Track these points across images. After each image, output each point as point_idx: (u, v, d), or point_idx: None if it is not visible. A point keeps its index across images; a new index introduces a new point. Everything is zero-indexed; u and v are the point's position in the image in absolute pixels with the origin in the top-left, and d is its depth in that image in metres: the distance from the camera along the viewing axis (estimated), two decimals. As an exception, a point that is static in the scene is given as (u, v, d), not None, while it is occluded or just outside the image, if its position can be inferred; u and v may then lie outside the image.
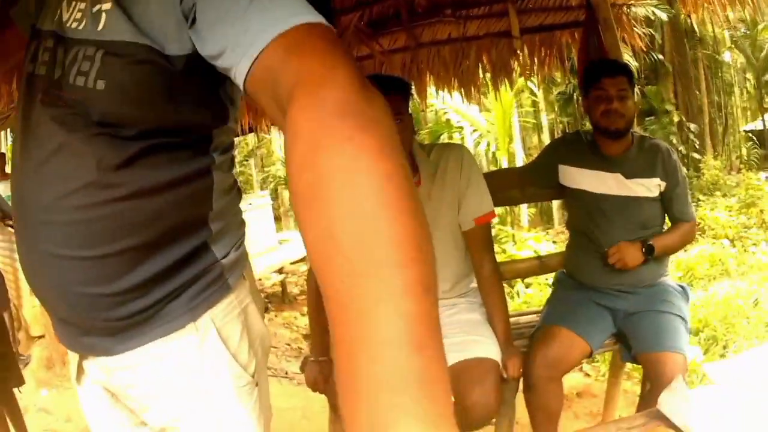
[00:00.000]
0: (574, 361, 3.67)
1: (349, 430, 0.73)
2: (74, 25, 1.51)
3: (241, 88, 1.23)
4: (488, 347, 3.26)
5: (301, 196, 0.88)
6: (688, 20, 14.57)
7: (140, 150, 1.51)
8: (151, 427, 1.78)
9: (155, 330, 1.65)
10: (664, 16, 14.25)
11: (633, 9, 4.98)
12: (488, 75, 5.37)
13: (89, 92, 1.46)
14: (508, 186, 3.97)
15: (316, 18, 1.16)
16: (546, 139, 14.65)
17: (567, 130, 15.72)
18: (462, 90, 5.64)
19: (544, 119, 15.00)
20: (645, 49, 6.11)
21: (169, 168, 1.58)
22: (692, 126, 14.69)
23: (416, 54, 5.20)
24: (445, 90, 5.60)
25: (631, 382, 5.02)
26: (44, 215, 1.57)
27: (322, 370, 3.43)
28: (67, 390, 6.99)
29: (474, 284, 3.55)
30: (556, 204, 13.48)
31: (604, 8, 4.42)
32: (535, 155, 5.26)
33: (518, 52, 5.03)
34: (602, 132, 3.62)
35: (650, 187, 3.61)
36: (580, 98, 14.19)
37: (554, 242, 11.85)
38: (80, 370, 1.83)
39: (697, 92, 15.64)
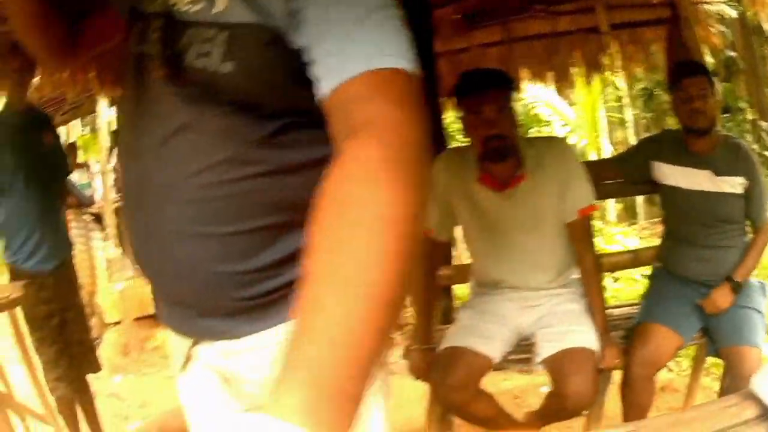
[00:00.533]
0: (670, 357, 3.79)
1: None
2: (186, 7, 1.50)
3: (318, 95, 1.31)
4: (588, 337, 3.35)
5: (322, 205, 1.05)
6: (755, 18, 14.43)
7: (278, 128, 1.52)
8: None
9: (283, 312, 1.61)
10: (734, 13, 14.09)
11: (707, 6, 5.02)
12: (577, 69, 5.43)
13: (215, 75, 1.46)
14: (603, 178, 4.05)
15: (409, 63, 1.25)
16: (630, 134, 14.56)
17: (650, 126, 15.70)
18: (555, 84, 5.67)
19: (629, 114, 15.01)
20: (720, 47, 6.13)
21: (307, 148, 1.56)
22: (764, 124, 14.50)
23: (510, 48, 5.25)
24: (537, 83, 5.68)
25: (710, 378, 5.04)
26: (173, 193, 1.56)
27: (425, 358, 3.50)
28: (144, 376, 7.10)
29: (575, 275, 3.63)
30: (640, 199, 13.43)
31: (685, 6, 4.49)
32: (622, 149, 5.30)
33: (607, 47, 5.09)
34: (689, 130, 3.74)
35: (735, 184, 3.70)
36: (660, 94, 14.00)
37: (640, 237, 11.79)
38: (188, 356, 1.81)
39: (766, 90, 15.43)
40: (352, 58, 1.24)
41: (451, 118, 6.82)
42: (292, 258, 1.57)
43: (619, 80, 13.32)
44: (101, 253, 8.68)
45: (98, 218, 8.20)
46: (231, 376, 1.74)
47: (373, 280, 0.96)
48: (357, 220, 1.01)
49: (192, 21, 1.49)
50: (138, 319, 8.08)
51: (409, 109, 1.18)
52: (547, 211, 3.42)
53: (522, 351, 3.58)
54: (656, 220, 11.33)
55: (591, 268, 3.52)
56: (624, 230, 12.21)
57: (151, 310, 8.38)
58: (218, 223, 1.55)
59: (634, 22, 5.13)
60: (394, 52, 1.26)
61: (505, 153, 3.25)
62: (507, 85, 3.33)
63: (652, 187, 4.06)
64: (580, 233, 3.49)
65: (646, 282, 4.38)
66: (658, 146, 4.01)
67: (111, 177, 8.76)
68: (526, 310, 3.54)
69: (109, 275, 8.14)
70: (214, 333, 1.69)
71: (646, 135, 14.75)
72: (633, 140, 13.73)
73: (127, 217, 1.74)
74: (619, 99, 14.97)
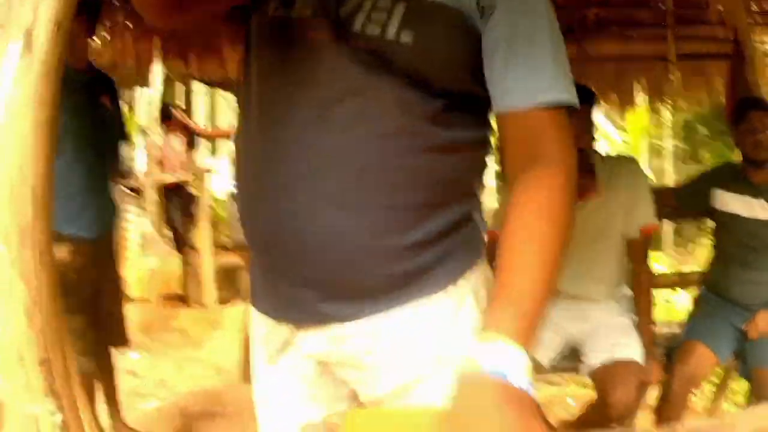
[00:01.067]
0: (706, 376, 3.97)
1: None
2: None
3: (495, 109, 1.54)
4: (635, 351, 3.48)
5: (523, 209, 1.41)
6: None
7: (443, 106, 1.55)
8: (363, 398, 1.74)
9: (421, 290, 1.63)
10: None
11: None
12: (641, 94, 5.49)
13: (390, 44, 1.49)
14: (662, 203, 4.18)
15: (574, 99, 1.49)
16: (668, 164, 14.68)
17: (685, 157, 15.85)
18: (619, 107, 5.75)
19: (668, 143, 15.08)
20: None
21: (462, 130, 1.61)
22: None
23: (583, 67, 5.27)
24: (602, 104, 5.75)
25: (726, 404, 5.11)
26: (335, 159, 1.54)
27: None
28: (163, 356, 6.95)
29: (626, 291, 3.77)
30: (667, 227, 13.61)
31: (749, 45, 4.57)
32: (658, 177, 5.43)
33: (671, 76, 5.17)
34: (750, 161, 3.94)
35: None
36: (699, 127, 14.00)
37: (681, 260, 11.98)
38: (283, 345, 1.77)
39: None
40: (537, 87, 1.47)
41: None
42: (438, 237, 1.62)
43: (664, 110, 13.40)
44: (135, 227, 8.62)
45: (136, 192, 8.19)
46: (339, 361, 1.71)
47: (552, 259, 1.37)
48: (543, 225, 1.38)
49: None
50: (164, 297, 8.09)
51: (571, 145, 1.49)
52: (612, 227, 3.55)
53: (568, 359, 3.69)
54: (681, 248, 11.95)
55: (645, 284, 3.69)
56: (670, 252, 12.61)
57: (179, 290, 8.45)
58: (381, 194, 1.56)
59: (698, 54, 5.20)
60: (567, 87, 1.49)
61: (583, 167, 3.29)
62: (590, 100, 3.45)
63: (706, 214, 4.27)
64: (638, 250, 3.66)
65: (674, 302, 4.52)
66: (720, 176, 4.20)
67: (155, 150, 8.73)
68: (579, 320, 3.65)
69: (141, 251, 8.19)
70: (333, 316, 1.65)
71: (682, 165, 14.88)
72: (670, 169, 14.08)
73: (249, 189, 1.72)
74: (660, 128, 15.04)
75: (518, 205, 1.42)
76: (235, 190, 1.84)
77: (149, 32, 4.64)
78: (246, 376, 5.63)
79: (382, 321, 1.63)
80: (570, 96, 1.48)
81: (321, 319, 1.66)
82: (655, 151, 15.37)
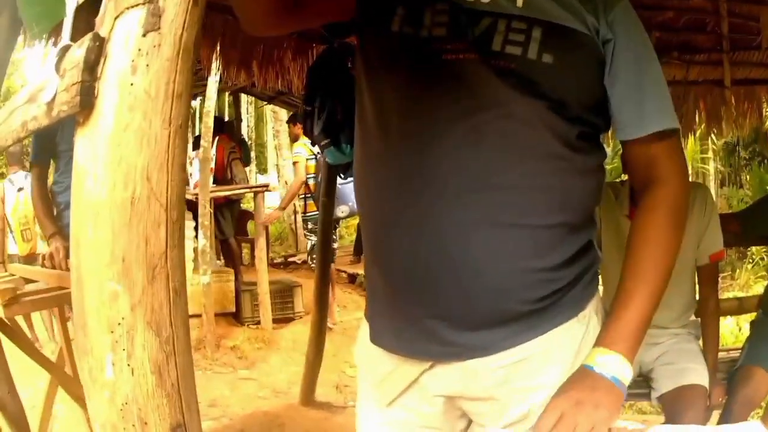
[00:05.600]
0: (764, 398, 3.86)
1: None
2: None
3: (618, 136, 1.69)
4: (702, 376, 3.45)
5: (638, 230, 1.68)
6: None
7: (580, 132, 1.61)
8: (485, 429, 1.71)
9: (554, 318, 1.62)
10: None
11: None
12: (699, 119, 5.48)
13: (533, 64, 1.53)
14: (726, 229, 4.18)
15: (678, 124, 1.65)
16: (711, 186, 14.67)
17: (726, 180, 15.91)
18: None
19: (711, 166, 15.09)
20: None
21: (594, 155, 1.68)
22: None
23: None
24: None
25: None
26: (486, 178, 1.55)
27: None
28: (215, 375, 6.82)
29: (693, 317, 3.73)
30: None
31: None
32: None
33: (728, 101, 5.16)
34: None
35: None
36: (740, 150, 14.01)
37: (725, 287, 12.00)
38: (407, 386, 1.73)
39: None
40: (655, 117, 1.62)
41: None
42: (570, 262, 1.64)
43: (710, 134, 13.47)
44: (188, 243, 8.17)
45: (189, 205, 8.04)
46: (471, 396, 1.69)
47: (666, 271, 1.65)
48: (663, 238, 1.65)
49: (487, 11, 1.58)
50: (217, 315, 7.83)
51: (684, 165, 1.73)
52: (684, 254, 3.46)
53: (638, 386, 3.62)
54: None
55: (713, 310, 3.68)
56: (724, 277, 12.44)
57: (232, 308, 8.38)
58: (531, 214, 1.57)
59: (751, 79, 5.18)
60: (674, 113, 1.65)
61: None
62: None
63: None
64: (708, 277, 3.65)
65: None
66: None
67: (208, 164, 8.54)
68: (649, 346, 3.58)
69: (194, 266, 8.01)
70: (473, 349, 1.62)
71: (724, 189, 14.87)
72: (712, 192, 13.96)
73: (384, 213, 1.68)
74: (705, 152, 15.04)
75: (641, 221, 1.68)
76: (361, 217, 1.83)
77: (209, 39, 4.59)
78: (305, 398, 5.70)
79: (517, 353, 1.62)
80: (677, 122, 1.64)
81: (459, 352, 1.63)
82: (699, 175, 15.39)
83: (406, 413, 1.77)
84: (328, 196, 5.66)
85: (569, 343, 1.64)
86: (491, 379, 1.63)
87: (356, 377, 4.55)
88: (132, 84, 0.86)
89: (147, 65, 0.86)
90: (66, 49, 0.94)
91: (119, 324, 0.88)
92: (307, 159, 8.59)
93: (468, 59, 1.56)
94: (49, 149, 4.00)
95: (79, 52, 0.90)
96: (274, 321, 8.09)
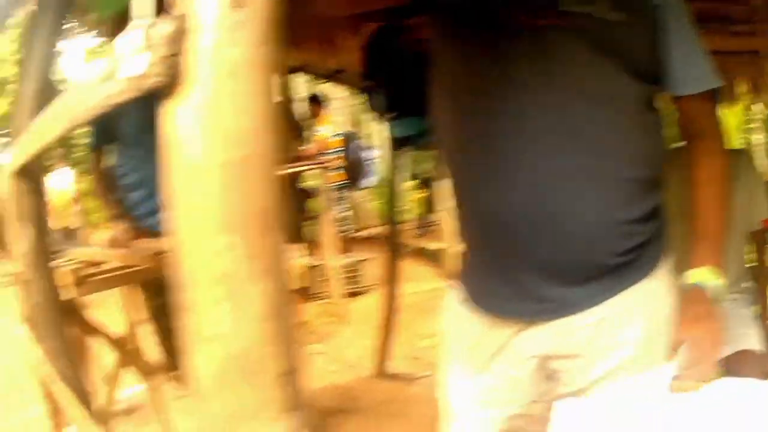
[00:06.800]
0: None
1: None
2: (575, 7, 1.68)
3: (671, 92, 1.83)
4: (758, 341, 3.49)
5: (701, 182, 1.86)
6: None
7: (650, 91, 1.79)
8: (571, 387, 1.82)
9: (638, 272, 1.75)
10: None
11: None
12: (740, 89, 5.44)
13: (603, 21, 1.67)
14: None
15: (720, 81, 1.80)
16: (759, 157, 14.46)
17: None
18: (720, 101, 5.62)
19: (756, 138, 14.85)
20: None
21: (658, 114, 1.86)
22: None
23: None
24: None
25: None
26: (579, 134, 1.67)
27: None
28: None
29: (746, 283, 3.77)
30: None
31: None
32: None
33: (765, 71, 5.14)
34: None
35: None
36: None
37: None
38: (497, 350, 1.84)
39: None
40: (710, 75, 1.81)
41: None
42: (649, 217, 1.78)
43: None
44: None
45: None
46: (563, 354, 1.80)
47: (725, 206, 1.87)
48: (716, 190, 1.87)
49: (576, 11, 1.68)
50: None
51: (718, 122, 1.91)
52: (734, 219, 3.50)
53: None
54: None
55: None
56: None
57: (302, 284, 8.35)
58: (619, 167, 1.72)
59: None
60: (716, 75, 1.81)
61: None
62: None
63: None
64: (761, 242, 3.72)
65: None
66: None
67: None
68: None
69: None
70: (565, 304, 1.74)
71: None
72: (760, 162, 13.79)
73: (476, 173, 1.78)
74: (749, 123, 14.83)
75: (698, 167, 1.87)
76: (452, 179, 1.92)
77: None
78: (378, 371, 5.74)
79: (602, 310, 1.75)
80: (719, 80, 1.81)
81: (553, 309, 1.76)
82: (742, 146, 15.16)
83: (495, 378, 1.89)
84: (394, 170, 5.65)
85: (648, 300, 1.77)
86: (580, 336, 1.75)
87: (428, 349, 4.58)
88: (225, 56, 0.91)
89: (237, 38, 0.91)
90: (151, 25, 0.98)
91: (230, 276, 0.94)
92: (330, 136, 9.93)
93: (546, 25, 1.68)
94: (110, 133, 4.04)
95: (164, 27, 0.95)
96: (344, 295, 8.16)
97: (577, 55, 1.66)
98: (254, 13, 0.92)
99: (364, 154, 11.02)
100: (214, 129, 0.92)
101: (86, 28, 3.52)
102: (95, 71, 1.23)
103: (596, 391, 1.75)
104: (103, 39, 3.90)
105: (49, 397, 3.80)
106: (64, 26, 2.69)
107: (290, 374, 0.98)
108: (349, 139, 10.49)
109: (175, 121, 0.96)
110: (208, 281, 0.96)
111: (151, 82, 0.97)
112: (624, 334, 1.74)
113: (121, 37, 1.04)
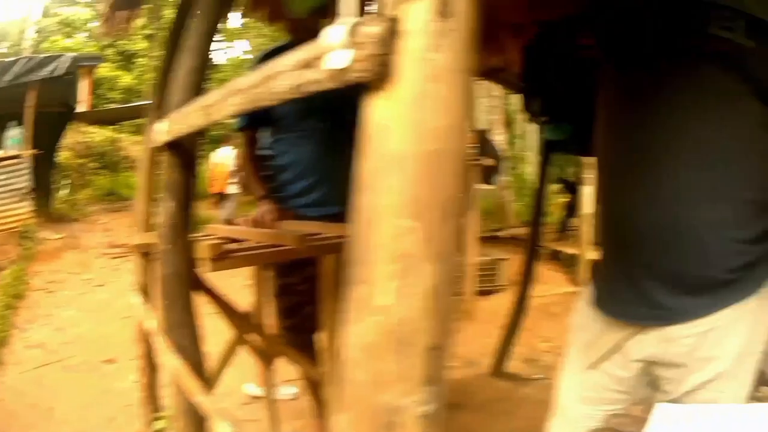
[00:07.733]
0: None
1: None
2: None
3: None
4: None
5: None
6: None
7: None
8: (667, 396, 1.87)
9: (743, 289, 1.77)
10: None
11: None
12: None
13: (739, 46, 1.70)
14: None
15: None
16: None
17: None
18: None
19: None
20: None
21: None
22: None
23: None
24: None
25: None
26: (706, 151, 1.73)
27: None
28: None
29: None
30: None
31: None
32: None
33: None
34: None
35: None
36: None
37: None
38: (609, 351, 1.92)
39: None
40: None
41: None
42: (761, 238, 1.77)
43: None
44: None
45: None
46: (664, 362, 1.86)
47: None
48: None
49: (705, 2, 1.73)
50: None
51: None
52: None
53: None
54: None
55: None
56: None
57: None
58: (742, 187, 1.72)
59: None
60: None
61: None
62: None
63: None
64: None
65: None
66: None
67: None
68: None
69: None
70: (677, 312, 1.80)
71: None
72: None
73: (616, 183, 1.88)
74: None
75: None
76: (600, 188, 2.01)
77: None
78: (495, 369, 5.79)
79: (706, 323, 1.79)
80: None
81: (664, 315, 1.83)
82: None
83: (602, 376, 1.97)
84: (543, 172, 5.60)
85: (749, 318, 1.79)
86: (683, 345, 1.81)
87: (546, 352, 4.61)
88: (431, 60, 0.98)
89: (443, 45, 0.98)
90: (359, 23, 1.04)
91: (406, 255, 1.00)
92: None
93: (698, 42, 1.73)
94: (262, 116, 4.05)
95: (373, 28, 1.02)
96: (476, 293, 8.14)
97: (716, 80, 1.71)
98: (458, 24, 0.99)
99: (497, 152, 11.00)
100: (414, 124, 0.99)
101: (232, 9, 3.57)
102: (289, 58, 1.27)
103: (692, 400, 1.80)
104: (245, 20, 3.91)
105: (145, 369, 4.00)
106: (225, 5, 2.75)
107: (438, 349, 1.03)
108: (482, 135, 10.43)
109: (379, 113, 1.04)
110: (386, 259, 1.02)
111: (353, 76, 1.04)
112: (723, 347, 1.79)
113: (327, 31, 1.09)
